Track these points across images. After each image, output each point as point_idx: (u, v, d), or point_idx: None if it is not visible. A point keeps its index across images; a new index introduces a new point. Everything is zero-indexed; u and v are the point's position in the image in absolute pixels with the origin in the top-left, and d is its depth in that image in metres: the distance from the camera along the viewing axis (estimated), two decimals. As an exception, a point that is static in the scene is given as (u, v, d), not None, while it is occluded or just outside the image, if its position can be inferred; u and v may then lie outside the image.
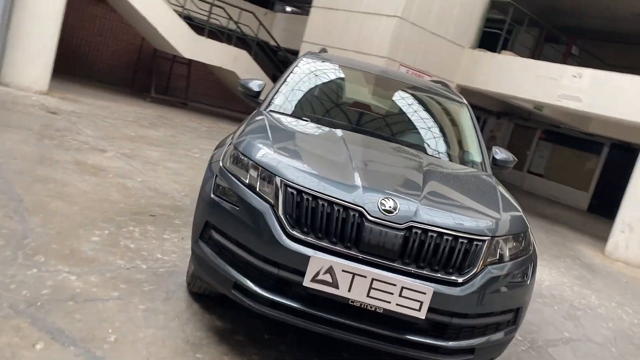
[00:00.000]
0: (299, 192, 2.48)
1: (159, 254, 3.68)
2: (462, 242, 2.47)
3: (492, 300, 2.53)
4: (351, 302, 2.39)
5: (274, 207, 2.50)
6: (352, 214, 2.43)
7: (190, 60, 14.30)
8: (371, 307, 2.39)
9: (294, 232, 2.44)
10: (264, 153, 2.71)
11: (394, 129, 3.78)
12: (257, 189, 2.58)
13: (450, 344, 2.48)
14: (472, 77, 11.24)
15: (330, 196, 2.46)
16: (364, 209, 2.43)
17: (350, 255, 2.40)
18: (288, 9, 19.86)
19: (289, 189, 2.49)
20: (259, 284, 2.50)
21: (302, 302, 2.45)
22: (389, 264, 2.40)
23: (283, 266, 2.44)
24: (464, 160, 3.67)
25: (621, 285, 6.99)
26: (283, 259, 2.43)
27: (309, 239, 2.43)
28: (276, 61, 15.69)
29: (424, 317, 2.37)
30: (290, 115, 3.55)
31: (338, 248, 2.41)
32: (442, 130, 3.94)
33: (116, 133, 7.67)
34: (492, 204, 2.83)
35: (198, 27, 13.08)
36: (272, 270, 2.46)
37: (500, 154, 3.81)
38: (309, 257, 2.38)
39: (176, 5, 12.94)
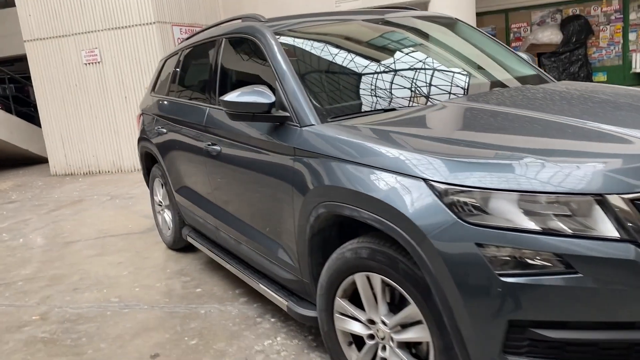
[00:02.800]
0: None
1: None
2: None
3: None
4: None
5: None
6: None
7: None
8: None
9: None
10: (512, 170, 1.64)
11: (487, 73, 2.86)
12: (571, 229, 1.55)
13: None
14: (239, 10, 10.24)
15: None
16: None
17: None
18: None
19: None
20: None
21: None
22: None
23: None
24: (535, 76, 3.02)
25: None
26: None
27: None
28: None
29: None
30: (372, 113, 2.39)
31: None
32: (492, 54, 3.15)
33: None
34: None
35: None
36: None
37: (526, 56, 3.30)
38: None
39: None
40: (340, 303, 2.16)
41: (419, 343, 1.98)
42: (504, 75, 2.93)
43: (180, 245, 4.33)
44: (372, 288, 2.03)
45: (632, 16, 12.62)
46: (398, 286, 1.89)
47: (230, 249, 3.23)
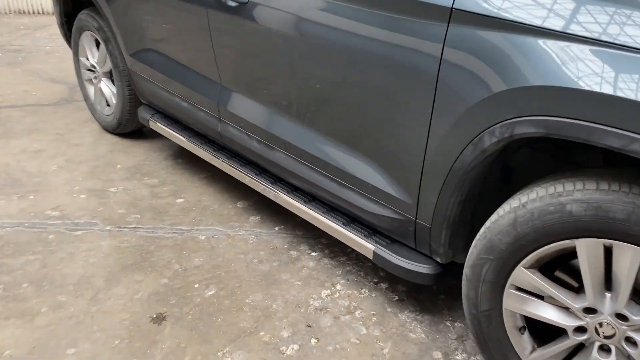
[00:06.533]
0: None
1: None
2: None
3: None
4: None
5: None
6: None
7: None
8: None
9: None
10: None
11: None
12: None
13: None
14: None
15: None
16: None
17: None
18: None
19: None
20: None
21: None
22: None
23: None
24: None
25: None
26: None
27: None
28: None
29: None
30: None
31: None
32: None
33: None
34: None
35: None
36: None
37: None
38: None
39: None
40: (528, 276, 1.35)
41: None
42: None
43: (127, 130, 3.14)
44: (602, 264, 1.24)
45: None
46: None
47: (244, 150, 2.20)
